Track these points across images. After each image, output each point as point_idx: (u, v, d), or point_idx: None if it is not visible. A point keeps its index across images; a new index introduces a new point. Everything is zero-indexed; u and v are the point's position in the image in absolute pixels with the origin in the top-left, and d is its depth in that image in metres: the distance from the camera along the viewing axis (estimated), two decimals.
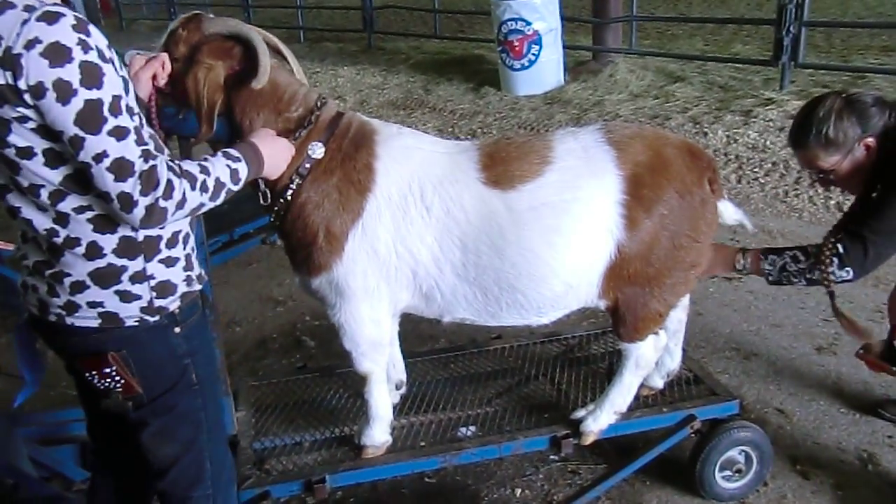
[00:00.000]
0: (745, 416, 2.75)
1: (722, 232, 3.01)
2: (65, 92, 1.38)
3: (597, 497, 2.57)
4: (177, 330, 1.68)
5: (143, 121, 1.58)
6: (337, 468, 2.32)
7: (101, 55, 1.42)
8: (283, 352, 3.74)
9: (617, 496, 2.63)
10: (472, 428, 2.48)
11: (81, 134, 1.41)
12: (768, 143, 5.96)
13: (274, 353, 3.73)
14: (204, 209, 1.63)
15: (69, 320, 1.58)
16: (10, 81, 1.37)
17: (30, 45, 1.35)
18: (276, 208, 2.10)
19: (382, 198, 2.09)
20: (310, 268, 2.15)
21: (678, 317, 2.55)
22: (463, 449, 2.39)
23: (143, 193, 1.47)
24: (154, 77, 1.86)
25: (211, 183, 1.61)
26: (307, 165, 2.06)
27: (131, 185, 1.46)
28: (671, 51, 9.00)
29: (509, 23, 8.01)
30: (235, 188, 1.69)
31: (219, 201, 1.65)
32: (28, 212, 1.53)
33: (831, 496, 2.60)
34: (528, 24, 7.93)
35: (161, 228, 1.62)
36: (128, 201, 1.46)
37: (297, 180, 2.06)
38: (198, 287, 1.75)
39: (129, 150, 1.45)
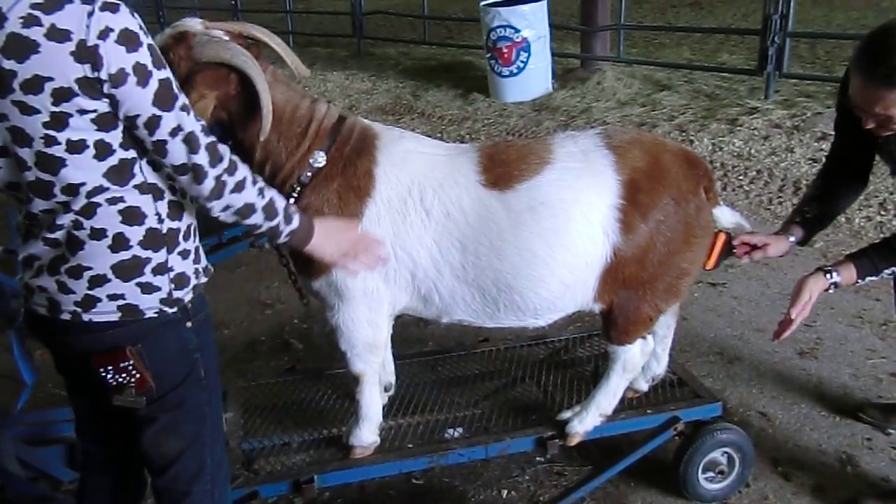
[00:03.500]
0: (727, 418, 2.79)
1: None
2: (143, 75, 1.44)
3: (581, 498, 2.60)
4: (189, 324, 1.69)
5: None
6: (325, 468, 2.34)
7: (151, 37, 1.50)
8: (272, 354, 3.74)
9: (602, 497, 2.66)
10: (460, 429, 2.51)
11: (158, 112, 1.48)
12: (753, 151, 6.03)
13: (262, 356, 3.74)
14: (252, 217, 1.66)
15: (86, 317, 1.57)
16: (89, 73, 1.40)
17: (103, 35, 1.40)
18: None
19: (382, 203, 2.11)
20: (310, 270, 2.17)
21: (667, 322, 2.59)
22: (450, 450, 2.41)
23: (212, 165, 1.56)
24: None
25: (268, 194, 1.68)
26: (308, 174, 2.07)
27: (203, 157, 1.54)
28: (658, 59, 9.05)
29: (498, 30, 8.06)
30: (279, 225, 1.72)
31: (264, 222, 1.69)
32: (47, 206, 1.52)
33: (811, 497, 2.64)
34: (517, 31, 7.98)
35: (180, 222, 1.64)
36: (200, 172, 1.55)
37: (298, 188, 2.08)
38: (205, 279, 1.76)
39: (195, 123, 1.54)
